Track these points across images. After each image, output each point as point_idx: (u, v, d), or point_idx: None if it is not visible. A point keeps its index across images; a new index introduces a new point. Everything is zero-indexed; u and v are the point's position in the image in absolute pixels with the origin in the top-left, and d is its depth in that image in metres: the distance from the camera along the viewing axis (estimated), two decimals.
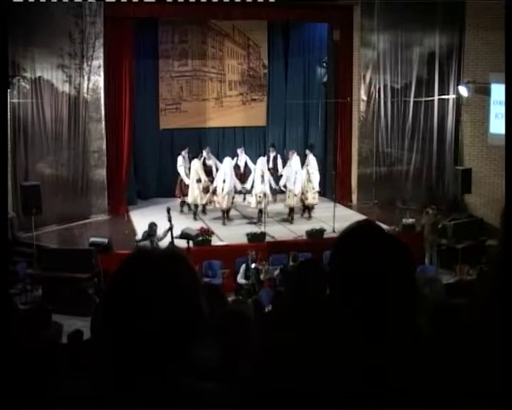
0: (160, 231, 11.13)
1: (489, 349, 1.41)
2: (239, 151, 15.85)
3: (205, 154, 15.47)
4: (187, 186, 14.85)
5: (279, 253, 12.23)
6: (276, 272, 11.24)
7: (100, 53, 14.39)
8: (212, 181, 14.72)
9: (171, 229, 10.40)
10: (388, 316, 1.48)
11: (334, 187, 15.12)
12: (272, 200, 14.80)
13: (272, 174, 15.08)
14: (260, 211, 14.19)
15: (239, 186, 14.81)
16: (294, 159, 14.65)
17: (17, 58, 13.22)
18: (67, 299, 10.42)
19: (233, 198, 14.61)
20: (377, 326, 1.47)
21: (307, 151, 15.28)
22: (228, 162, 14.55)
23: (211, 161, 15.56)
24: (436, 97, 15.55)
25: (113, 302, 1.43)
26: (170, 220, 10.38)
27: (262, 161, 14.52)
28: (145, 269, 1.44)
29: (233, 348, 2.94)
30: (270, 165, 15.57)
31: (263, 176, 14.21)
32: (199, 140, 17.09)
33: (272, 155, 15.79)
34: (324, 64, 17.65)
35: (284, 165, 15.55)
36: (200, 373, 1.53)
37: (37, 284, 11.34)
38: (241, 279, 11.41)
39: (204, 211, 14.92)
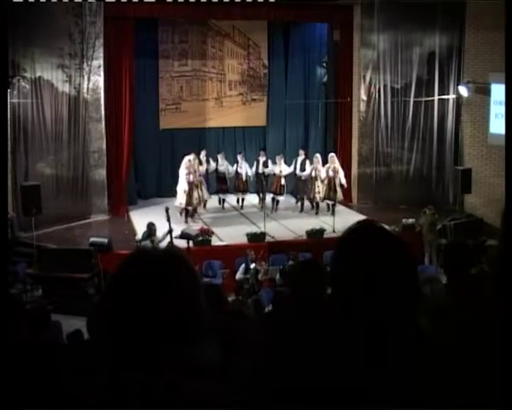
0: (160, 232, 11.12)
1: (489, 349, 1.41)
2: (239, 157, 15.67)
3: (219, 159, 15.41)
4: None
5: (279, 253, 12.23)
6: (277, 273, 11.22)
7: (100, 53, 14.39)
8: (226, 189, 15.48)
9: (170, 232, 10.37)
10: (390, 315, 1.48)
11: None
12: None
13: (262, 179, 15.03)
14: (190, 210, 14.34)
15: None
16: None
17: (17, 58, 13.21)
18: (67, 299, 10.42)
19: (191, 197, 14.39)
20: (378, 326, 1.47)
21: (300, 152, 15.52)
22: (184, 161, 14.42)
23: (223, 167, 15.51)
24: (436, 97, 15.56)
25: (113, 302, 1.43)
26: (169, 220, 10.37)
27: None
28: (145, 269, 1.44)
29: (233, 348, 2.94)
30: (260, 169, 15.43)
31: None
32: (199, 140, 17.07)
33: (262, 159, 15.59)
34: (324, 64, 17.67)
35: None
36: (200, 373, 1.53)
37: (37, 284, 11.32)
38: (239, 275, 11.32)
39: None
